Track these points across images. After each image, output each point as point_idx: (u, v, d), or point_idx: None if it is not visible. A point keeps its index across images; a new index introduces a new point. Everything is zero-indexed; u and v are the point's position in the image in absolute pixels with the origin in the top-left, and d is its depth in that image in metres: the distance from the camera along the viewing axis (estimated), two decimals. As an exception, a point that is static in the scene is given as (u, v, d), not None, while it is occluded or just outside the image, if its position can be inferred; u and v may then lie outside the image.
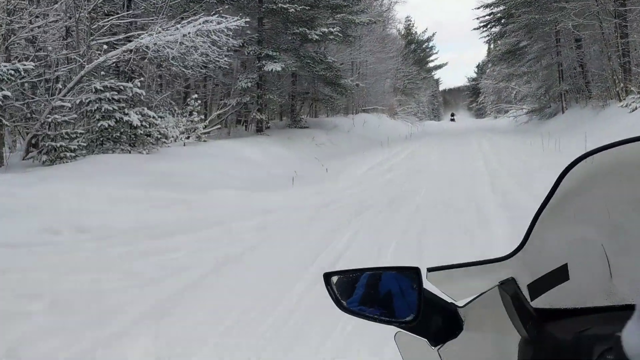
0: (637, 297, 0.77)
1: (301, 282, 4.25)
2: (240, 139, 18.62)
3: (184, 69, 12.03)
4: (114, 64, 13.77)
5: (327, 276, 1.10)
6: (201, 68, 14.03)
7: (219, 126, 18.41)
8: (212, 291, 4.15)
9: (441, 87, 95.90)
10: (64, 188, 7.15)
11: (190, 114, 15.08)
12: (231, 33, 11.93)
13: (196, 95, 15.30)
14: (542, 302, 1.04)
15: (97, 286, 4.14)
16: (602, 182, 0.99)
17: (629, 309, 0.75)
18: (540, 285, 1.04)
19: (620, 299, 0.99)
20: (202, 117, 15.78)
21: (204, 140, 16.63)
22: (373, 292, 1.05)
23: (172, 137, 15.11)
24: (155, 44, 10.72)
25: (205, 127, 17.50)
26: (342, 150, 20.29)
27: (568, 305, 1.02)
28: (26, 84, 11.47)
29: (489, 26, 37.80)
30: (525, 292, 1.05)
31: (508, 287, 1.04)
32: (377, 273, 1.08)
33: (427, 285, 1.02)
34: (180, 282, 4.25)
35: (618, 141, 0.92)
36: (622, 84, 22.91)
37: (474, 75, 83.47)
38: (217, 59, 12.47)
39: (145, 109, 12.65)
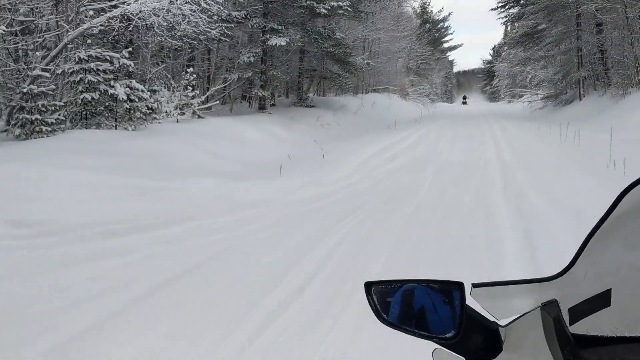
0: None
1: (249, 323, 3.31)
2: (240, 116, 17.74)
3: (170, 40, 11.07)
4: (110, 34, 12.89)
5: (368, 285, 1.09)
6: (194, 40, 13.07)
7: (217, 102, 17.49)
8: (133, 327, 3.25)
9: (455, 69, 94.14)
10: (22, 170, 6.34)
11: (185, 88, 14.18)
12: (222, 1, 10.95)
13: (192, 69, 14.37)
14: (581, 327, 1.01)
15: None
16: None
17: None
18: (581, 310, 1.02)
19: None
20: (197, 92, 14.86)
21: (201, 117, 15.78)
22: (414, 305, 1.04)
23: (165, 112, 14.27)
24: (141, 10, 9.80)
25: (203, 102, 16.63)
26: (347, 133, 19.36)
27: (607, 332, 0.98)
28: (4, 51, 10.63)
29: (507, 7, 36.44)
30: (566, 316, 1.02)
31: (550, 309, 1.03)
32: (419, 286, 1.06)
33: (470, 301, 1.00)
34: (104, 309, 3.40)
35: None
36: (645, 72, 21.77)
37: (489, 58, 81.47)
38: (207, 29, 11.50)
39: (134, 81, 11.78)
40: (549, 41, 33.35)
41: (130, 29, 10.53)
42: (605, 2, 21.84)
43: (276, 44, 18.09)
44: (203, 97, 16.19)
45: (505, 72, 62.81)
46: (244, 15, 17.08)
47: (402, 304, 1.05)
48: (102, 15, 10.24)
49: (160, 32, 10.56)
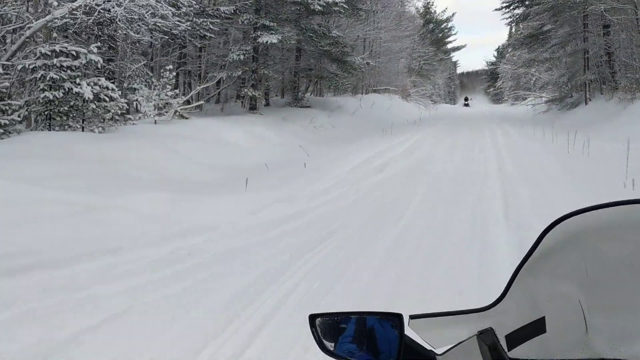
0: (612, 352, 0.97)
1: None
2: (228, 117, 16.78)
3: (133, 33, 10.09)
4: (83, 28, 11.92)
5: (312, 318, 1.13)
6: (165, 34, 12.09)
7: (202, 102, 16.52)
8: None
9: (459, 70, 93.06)
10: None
11: (164, 87, 13.21)
12: None
13: (171, 66, 13.40)
14: (519, 352, 1.07)
15: None
16: (579, 242, 1.03)
17: None
18: (518, 336, 1.08)
19: (595, 353, 1.03)
20: (178, 91, 13.90)
21: (185, 117, 14.83)
22: (356, 336, 1.10)
23: (144, 112, 13.33)
24: (106, 1, 8.83)
25: (188, 102, 15.67)
26: (341, 135, 18.37)
27: (544, 357, 1.05)
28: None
29: (511, 7, 35.44)
30: (503, 343, 1.07)
31: (486, 337, 1.07)
32: (361, 317, 1.12)
33: (409, 332, 1.06)
34: None
35: (595, 205, 0.97)
36: (655, 77, 20.77)
37: (493, 59, 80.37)
38: (177, 22, 10.52)
39: (103, 79, 10.82)
40: (554, 43, 32.37)
41: (97, 21, 9.52)
42: (614, 2, 20.81)
43: (267, 42, 17.12)
44: (187, 97, 15.21)
45: (509, 74, 61.87)
46: (233, 11, 16.09)
47: (345, 335, 1.09)
48: (64, 6, 9.27)
49: (123, 25, 9.56)
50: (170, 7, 9.44)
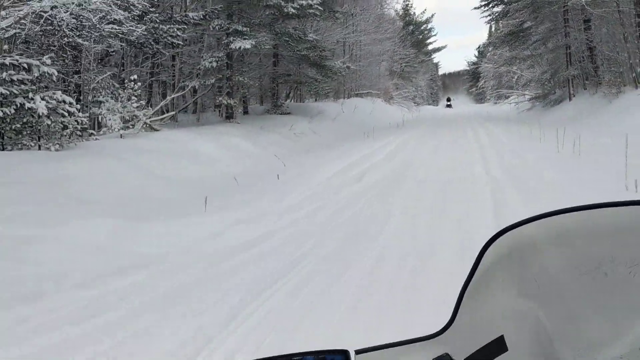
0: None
1: None
2: (202, 127, 16.04)
3: (81, 41, 9.29)
4: (42, 37, 11.13)
5: None
6: (123, 41, 11.33)
7: (172, 113, 15.75)
8: None
9: (441, 71, 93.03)
10: None
11: (129, 98, 12.43)
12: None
13: (136, 76, 12.63)
14: None
15: None
16: (523, 256, 1.02)
17: None
18: (478, 358, 1.05)
19: None
20: (143, 102, 13.13)
21: (155, 129, 14.07)
22: None
23: (109, 127, 12.55)
24: (53, 7, 8.06)
25: (158, 113, 14.92)
26: (321, 142, 17.68)
27: None
28: None
29: (490, 5, 35.08)
30: None
31: None
32: (305, 358, 1.06)
33: None
34: None
35: (530, 217, 0.97)
36: (639, 69, 20.35)
37: (474, 59, 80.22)
38: (133, 28, 9.76)
39: (58, 93, 10.03)
40: (535, 39, 32.03)
41: (44, 30, 8.73)
42: (595, -5, 20.42)
43: (240, 47, 16.42)
44: (156, 108, 14.45)
45: (490, 73, 61.73)
46: (202, 17, 15.36)
47: None
48: (9, 17, 8.48)
49: (70, 32, 8.78)
50: (120, 11, 8.64)
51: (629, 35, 20.76)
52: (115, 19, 9.02)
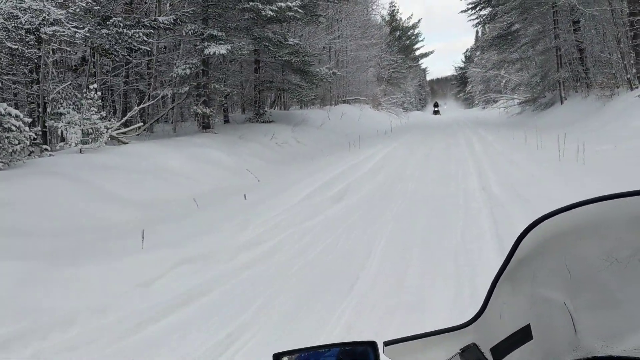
0: (603, 350, 0.96)
1: None
2: (177, 139, 14.99)
3: (10, 45, 8.17)
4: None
5: (277, 357, 1.06)
6: (69, 45, 10.27)
7: (138, 125, 14.67)
8: None
9: (429, 77, 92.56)
10: None
11: (89, 109, 11.34)
12: None
13: (95, 85, 11.54)
14: None
15: None
16: (558, 244, 1.02)
17: None
18: (504, 347, 1.05)
19: (587, 352, 1.02)
20: (104, 113, 12.04)
21: (124, 142, 13.00)
22: None
23: (69, 141, 11.47)
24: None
25: (125, 124, 13.84)
26: (304, 152, 16.66)
27: None
28: None
29: (477, 8, 34.37)
30: (489, 356, 1.06)
31: (470, 354, 1.06)
32: (332, 350, 1.06)
33: (384, 359, 1.01)
34: None
35: (567, 206, 0.96)
36: (634, 70, 19.54)
37: (462, 64, 79.72)
38: (75, 29, 8.68)
39: (4, 105, 8.95)
40: (524, 42, 31.36)
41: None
42: (587, -7, 19.63)
43: (215, 53, 15.38)
44: (123, 119, 13.38)
45: (478, 78, 61.21)
46: (173, 21, 14.32)
47: None
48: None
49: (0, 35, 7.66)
50: (55, 9, 7.51)
51: (622, 35, 19.96)
52: (55, 20, 7.94)
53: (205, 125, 17.58)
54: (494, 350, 1.05)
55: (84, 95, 11.32)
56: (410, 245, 5.24)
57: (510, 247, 1.01)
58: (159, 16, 14.74)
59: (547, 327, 1.04)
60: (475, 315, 1.08)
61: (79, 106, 12.62)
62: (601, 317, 0.99)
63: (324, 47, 35.20)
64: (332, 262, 4.98)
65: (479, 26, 44.09)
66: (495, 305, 1.06)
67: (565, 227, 0.98)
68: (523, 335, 1.04)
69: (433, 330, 1.07)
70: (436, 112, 60.25)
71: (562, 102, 27.38)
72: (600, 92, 21.44)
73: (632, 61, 19.66)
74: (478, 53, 60.59)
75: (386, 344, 1.05)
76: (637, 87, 18.88)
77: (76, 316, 3.66)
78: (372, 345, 1.03)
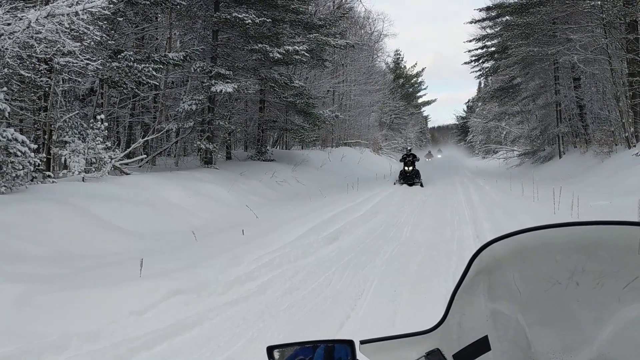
0: None
1: None
2: (177, 172, 15.14)
3: (24, 73, 8.41)
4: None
5: (270, 349, 1.19)
6: (79, 76, 10.52)
7: (141, 157, 14.86)
8: None
9: (430, 125, 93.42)
10: None
11: (94, 139, 11.54)
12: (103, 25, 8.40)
13: (103, 116, 11.77)
14: None
15: None
16: (507, 265, 1.14)
17: None
18: (465, 355, 1.14)
19: None
20: (108, 144, 12.22)
21: (126, 173, 13.16)
22: None
23: (72, 168, 11.62)
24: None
25: (128, 156, 14.03)
26: (303, 192, 16.79)
27: None
28: None
29: (481, 60, 35.12)
30: None
31: (433, 357, 1.16)
32: (315, 346, 1.18)
33: (360, 356, 1.15)
34: None
35: (514, 231, 1.09)
36: (632, 128, 19.87)
37: (463, 114, 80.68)
38: (87, 61, 8.93)
39: (11, 130, 9.13)
40: (525, 95, 31.90)
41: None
42: (587, 52, 20.10)
43: (221, 91, 15.72)
44: (127, 150, 13.57)
45: (479, 128, 61.76)
46: (182, 58, 14.69)
47: None
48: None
49: (14, 63, 7.90)
50: (70, 42, 7.76)
51: (621, 94, 20.37)
52: (69, 51, 8.19)
53: (208, 161, 17.79)
54: (456, 356, 1.14)
55: (90, 125, 11.54)
56: (398, 297, 5.18)
57: (466, 264, 1.13)
58: (169, 52, 15.08)
59: (503, 339, 1.12)
60: (439, 321, 1.18)
61: (85, 135, 12.83)
62: (552, 332, 1.07)
63: (328, 90, 35.85)
64: (324, 299, 5.01)
65: (482, 78, 44.99)
66: (455, 314, 1.17)
67: (514, 249, 1.09)
68: (482, 346, 1.12)
69: (403, 333, 1.19)
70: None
71: (560, 156, 27.69)
72: (598, 148, 21.74)
73: (630, 120, 20.00)
74: (480, 104, 61.53)
75: (362, 342, 1.18)
76: (634, 146, 19.13)
77: (69, 341, 3.71)
78: (350, 343, 1.14)
